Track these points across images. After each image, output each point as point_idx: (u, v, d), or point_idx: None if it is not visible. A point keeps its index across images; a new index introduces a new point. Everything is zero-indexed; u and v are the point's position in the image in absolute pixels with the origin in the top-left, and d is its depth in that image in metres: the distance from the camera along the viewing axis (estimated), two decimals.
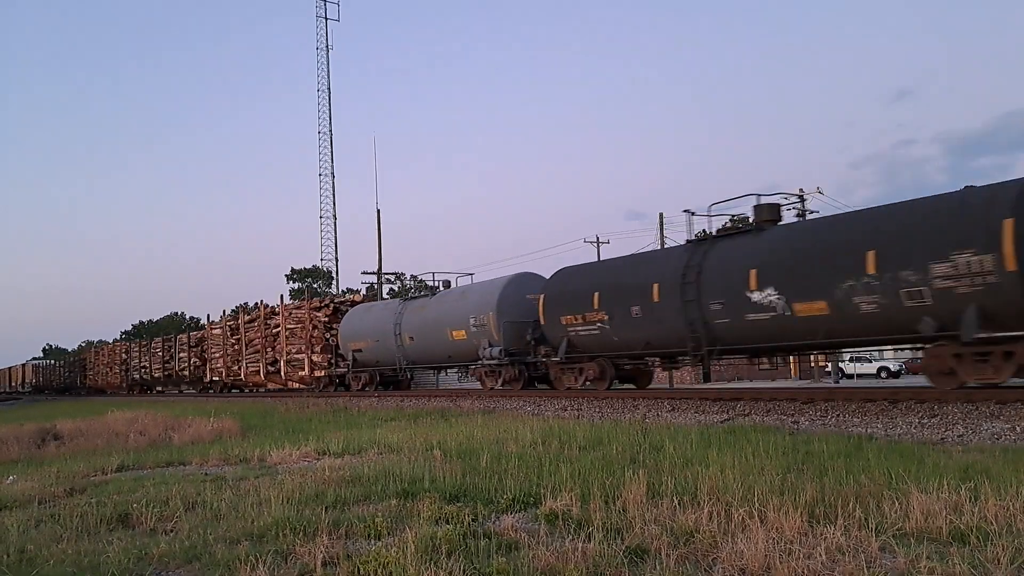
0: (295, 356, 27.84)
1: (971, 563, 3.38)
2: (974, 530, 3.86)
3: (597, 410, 12.86)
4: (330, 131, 65.84)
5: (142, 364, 45.47)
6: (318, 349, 26.47)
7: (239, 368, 32.56)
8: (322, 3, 64.55)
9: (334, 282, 64.21)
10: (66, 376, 63.74)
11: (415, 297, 22.94)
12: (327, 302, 27.24)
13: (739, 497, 4.63)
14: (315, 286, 64.72)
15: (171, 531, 4.79)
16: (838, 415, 9.99)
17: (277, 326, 29.37)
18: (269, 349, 29.99)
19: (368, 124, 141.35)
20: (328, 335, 26.22)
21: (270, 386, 31.86)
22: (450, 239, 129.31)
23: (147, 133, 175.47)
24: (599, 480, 5.48)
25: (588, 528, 4.23)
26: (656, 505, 4.73)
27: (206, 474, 7.25)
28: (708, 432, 8.19)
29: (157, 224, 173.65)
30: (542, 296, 17.08)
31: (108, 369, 51.42)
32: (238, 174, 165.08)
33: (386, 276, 45.62)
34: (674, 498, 4.78)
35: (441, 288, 22.29)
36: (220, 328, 35.44)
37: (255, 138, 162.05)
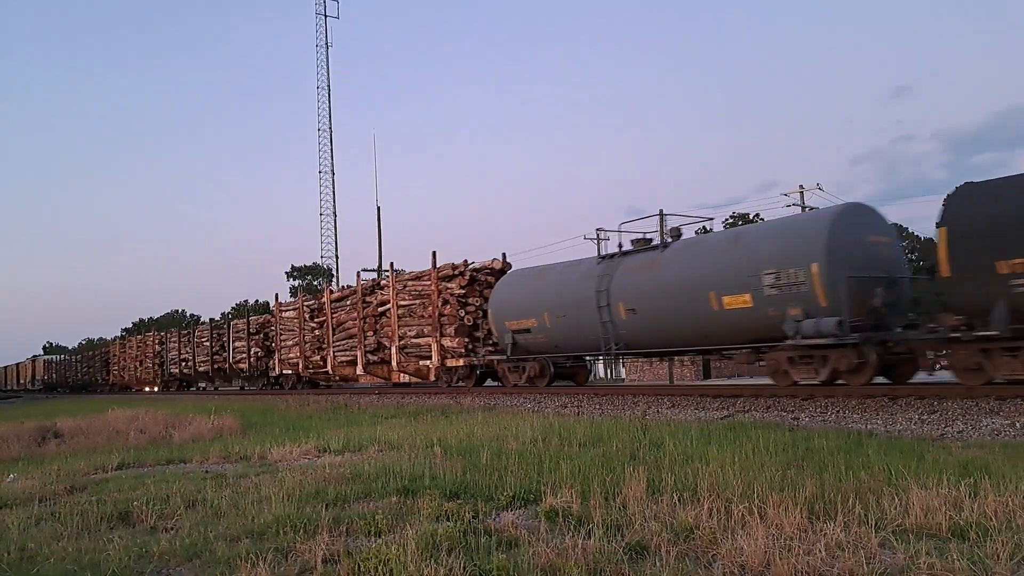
0: (414, 341, 21.55)
1: (971, 559, 3.38)
2: (974, 526, 3.86)
3: (597, 407, 12.87)
4: (330, 128, 65.76)
5: (182, 357, 39.58)
6: (451, 331, 20.13)
7: (323, 358, 26.41)
8: (322, 1, 64.44)
9: (334, 280, 64.24)
10: (84, 372, 57.88)
11: (629, 252, 15.49)
12: (460, 269, 20.65)
13: (739, 493, 4.64)
14: (315, 283, 64.69)
15: (172, 529, 4.80)
16: (838, 411, 9.99)
17: (384, 303, 23.07)
18: (370, 333, 23.77)
19: (368, 121, 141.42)
20: (463, 312, 20.18)
21: (369, 380, 25.49)
22: (450, 236, 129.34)
23: (147, 131, 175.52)
24: (599, 477, 5.49)
25: (588, 525, 4.23)
26: (656, 502, 4.73)
27: (207, 472, 7.25)
28: (708, 428, 8.19)
29: (156, 222, 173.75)
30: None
31: (137, 363, 45.61)
32: (238, 172, 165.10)
33: (386, 273, 45.59)
34: (674, 495, 4.79)
35: (669, 239, 15.41)
36: (294, 309, 29.03)
37: (255, 136, 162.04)
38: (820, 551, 3.55)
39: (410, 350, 21.83)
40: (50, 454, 10.80)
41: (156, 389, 42.99)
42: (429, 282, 20.94)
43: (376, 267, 44.60)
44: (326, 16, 65.97)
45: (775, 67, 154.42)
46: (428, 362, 20.96)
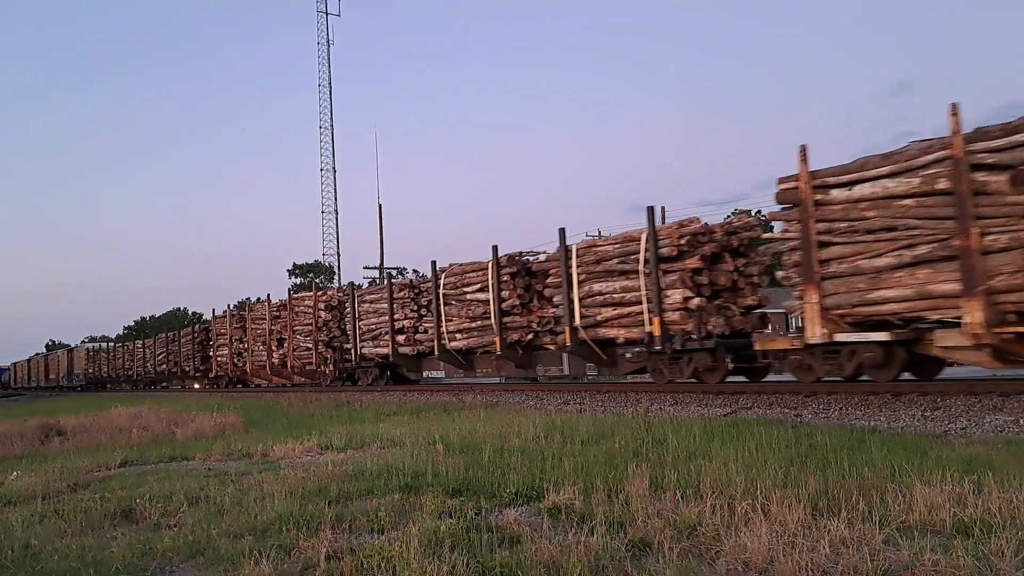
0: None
1: (975, 555, 3.38)
2: (978, 522, 3.85)
3: (600, 404, 12.86)
4: (331, 126, 66.00)
5: (402, 323, 20.33)
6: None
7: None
8: None
9: (336, 277, 64.29)
10: (162, 361, 38.81)
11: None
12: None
13: (742, 490, 4.63)
14: (317, 282, 64.76)
15: (175, 526, 4.80)
16: (841, 408, 9.98)
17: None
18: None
19: (370, 119, 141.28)
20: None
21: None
22: (452, 232, 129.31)
23: (147, 129, 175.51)
24: (602, 474, 5.48)
25: (591, 522, 4.23)
26: (659, 498, 4.73)
27: (209, 469, 7.26)
28: (711, 425, 8.19)
29: (157, 220, 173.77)
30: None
31: (274, 344, 27.36)
32: (239, 170, 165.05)
33: (388, 271, 45.60)
34: (677, 491, 4.79)
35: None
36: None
37: (256, 134, 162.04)
38: (824, 548, 3.55)
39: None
40: (53, 452, 10.82)
41: (326, 383, 24.22)
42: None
43: (378, 264, 44.61)
44: (327, 14, 66.08)
45: (776, 63, 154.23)
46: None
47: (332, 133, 66.13)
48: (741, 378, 13.54)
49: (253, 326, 29.28)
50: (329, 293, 24.84)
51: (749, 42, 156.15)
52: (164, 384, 41.93)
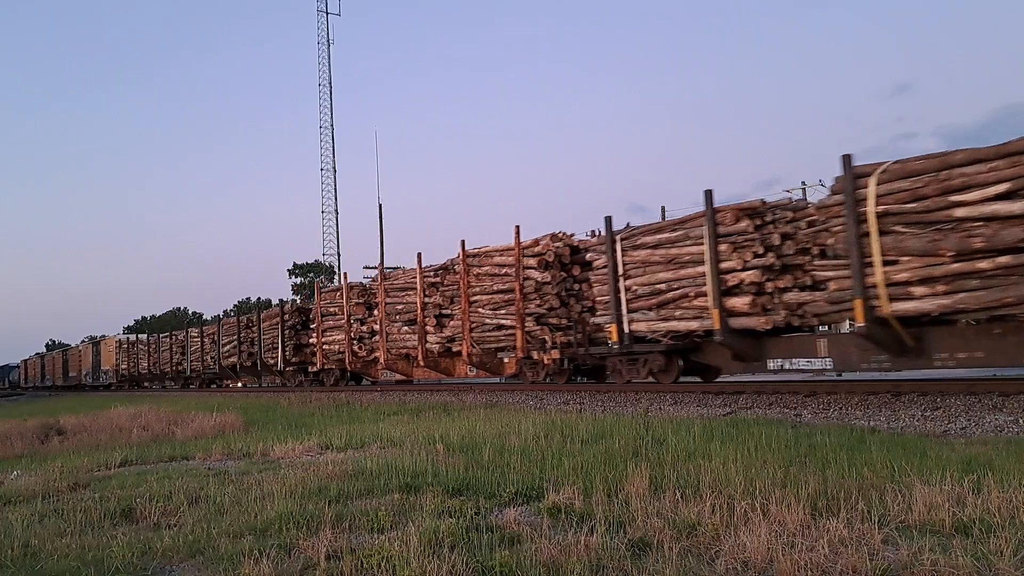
0: None
1: (974, 555, 3.38)
2: (977, 522, 3.86)
3: (600, 404, 12.87)
4: (331, 126, 65.85)
5: (740, 276, 11.56)
6: None
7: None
8: None
9: (336, 276, 64.30)
10: (230, 352, 30.54)
11: None
12: None
13: (741, 490, 4.63)
14: (317, 281, 64.73)
15: (175, 525, 4.80)
16: (840, 408, 9.99)
17: None
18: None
19: (370, 118, 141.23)
20: None
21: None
22: (452, 231, 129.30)
23: (147, 130, 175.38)
24: (602, 473, 5.49)
25: (591, 521, 4.23)
26: (658, 498, 4.73)
27: (209, 469, 7.26)
28: (710, 425, 8.19)
29: (157, 220, 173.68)
30: None
31: (435, 325, 18.86)
32: (238, 170, 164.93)
33: (388, 270, 45.60)
34: (676, 491, 4.79)
35: None
36: None
37: (256, 133, 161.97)
38: (823, 547, 3.55)
39: None
40: (53, 451, 10.83)
41: (545, 378, 16.49)
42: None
43: (379, 264, 44.62)
44: (327, 13, 66.00)
45: (778, 64, 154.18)
46: None
47: (332, 133, 66.05)
48: (742, 377, 13.56)
49: (390, 300, 20.47)
50: (543, 243, 15.71)
51: (749, 42, 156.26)
52: (227, 382, 33.91)
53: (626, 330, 13.62)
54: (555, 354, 15.55)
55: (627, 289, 13.61)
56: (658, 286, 13.04)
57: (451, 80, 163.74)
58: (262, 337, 27.89)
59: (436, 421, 10.93)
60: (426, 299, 19.09)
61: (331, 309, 23.76)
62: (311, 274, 66.79)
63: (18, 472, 7.87)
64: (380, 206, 45.65)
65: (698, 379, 14.37)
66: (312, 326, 24.78)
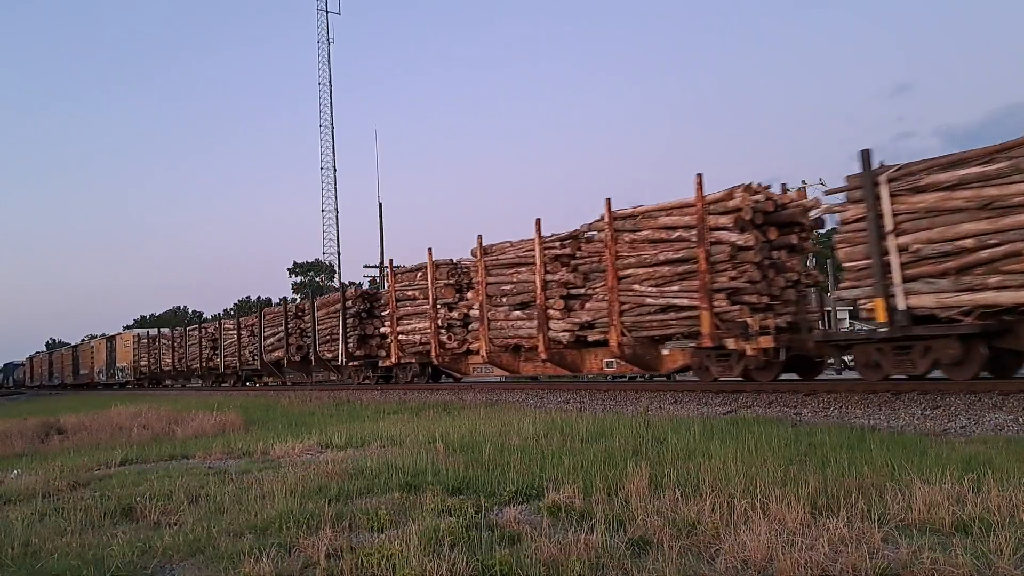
0: None
1: (974, 554, 3.38)
2: (977, 521, 3.86)
3: (600, 403, 12.87)
4: (331, 124, 65.89)
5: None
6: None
7: None
8: None
9: (336, 275, 64.28)
10: (274, 345, 27.11)
11: None
12: None
13: (741, 489, 4.64)
14: (317, 280, 64.77)
15: (175, 524, 4.80)
16: (840, 407, 9.99)
17: None
18: None
19: (370, 117, 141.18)
20: None
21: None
22: (452, 230, 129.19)
23: (147, 129, 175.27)
24: (602, 472, 5.49)
25: (590, 520, 4.23)
26: (658, 497, 4.73)
27: (209, 467, 7.26)
28: (710, 424, 8.20)
29: (157, 220, 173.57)
30: None
31: (562, 308, 14.99)
32: (238, 169, 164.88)
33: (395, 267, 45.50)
34: (676, 490, 4.79)
35: None
36: None
37: (256, 133, 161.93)
38: (823, 546, 3.55)
39: None
40: (53, 450, 10.82)
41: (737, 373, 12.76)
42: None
43: (379, 263, 44.60)
44: (327, 12, 65.99)
45: (778, 64, 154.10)
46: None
47: (332, 131, 66.10)
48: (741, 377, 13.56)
49: (493, 279, 16.80)
50: (739, 196, 11.99)
51: (749, 42, 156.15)
52: (266, 379, 30.23)
53: (899, 306, 10.06)
54: (765, 342, 11.73)
55: (902, 249, 10.07)
56: (960, 243, 9.49)
57: (451, 80, 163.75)
58: (317, 327, 24.35)
59: (436, 420, 10.92)
60: (548, 276, 15.24)
61: (409, 292, 20.02)
62: (311, 273, 66.83)
63: (18, 471, 7.87)
64: (380, 205, 45.70)
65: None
66: (384, 313, 21.17)
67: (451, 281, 18.90)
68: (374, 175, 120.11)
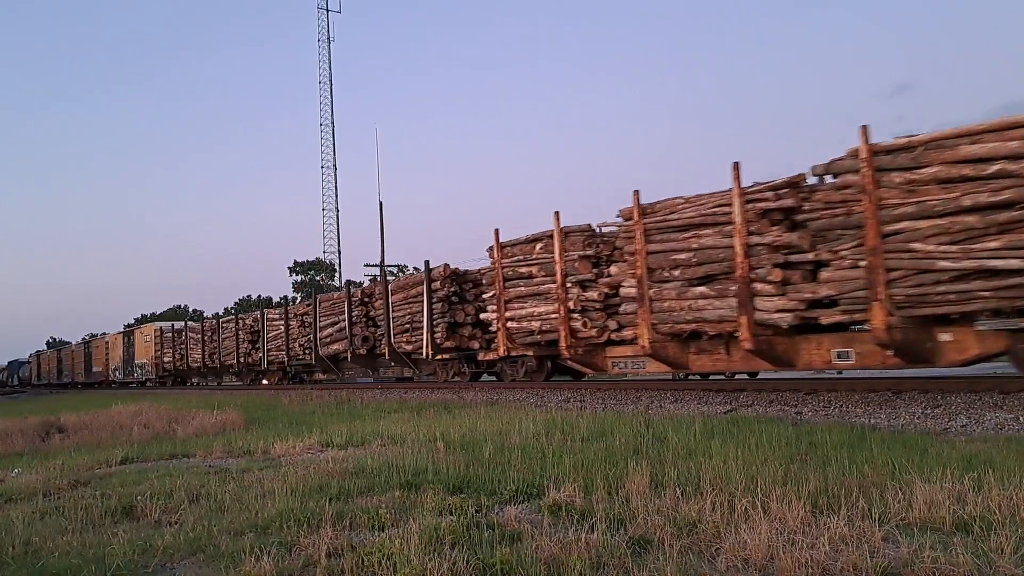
0: None
1: (975, 553, 3.38)
2: (977, 519, 3.86)
3: (600, 401, 12.87)
4: (332, 123, 65.97)
5: None
6: None
7: None
8: None
9: (337, 274, 64.30)
10: (333, 337, 23.89)
11: None
12: None
13: (742, 488, 4.64)
14: (318, 279, 64.79)
15: (176, 523, 4.81)
16: (841, 406, 9.99)
17: None
18: None
19: (370, 116, 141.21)
20: None
21: None
22: (453, 229, 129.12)
23: (147, 128, 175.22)
24: (602, 471, 5.49)
25: (591, 519, 4.23)
26: (659, 496, 4.74)
27: (210, 466, 7.27)
28: (711, 423, 8.20)
29: (157, 220, 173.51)
30: None
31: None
32: (238, 168, 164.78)
33: (388, 268, 45.57)
34: (677, 489, 4.79)
35: None
36: None
37: (256, 132, 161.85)
38: (824, 545, 3.55)
39: None
40: (54, 449, 10.83)
41: None
42: None
43: (379, 262, 44.63)
44: (327, 10, 65.98)
45: (778, 64, 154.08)
46: None
47: (333, 130, 66.25)
48: (742, 375, 13.57)
49: (657, 246, 12.95)
50: None
51: (749, 42, 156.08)
52: (317, 375, 27.30)
53: None
54: None
55: None
56: None
57: (451, 79, 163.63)
58: (392, 315, 20.67)
59: (437, 419, 10.93)
60: (755, 239, 11.38)
61: (523, 269, 16.01)
62: (312, 272, 66.83)
63: (19, 470, 7.88)
64: (380, 203, 45.57)
65: (698, 377, 13.56)
66: (488, 295, 17.09)
67: (588, 252, 14.70)
68: (374, 174, 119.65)
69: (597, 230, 14.98)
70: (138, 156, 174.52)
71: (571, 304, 14.59)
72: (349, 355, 22.86)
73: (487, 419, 10.05)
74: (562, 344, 14.74)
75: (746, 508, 4.17)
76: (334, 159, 66.05)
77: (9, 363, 75.89)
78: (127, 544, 4.25)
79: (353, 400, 17.12)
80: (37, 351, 68.06)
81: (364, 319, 22.37)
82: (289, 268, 71.85)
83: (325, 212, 65.71)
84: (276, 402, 18.38)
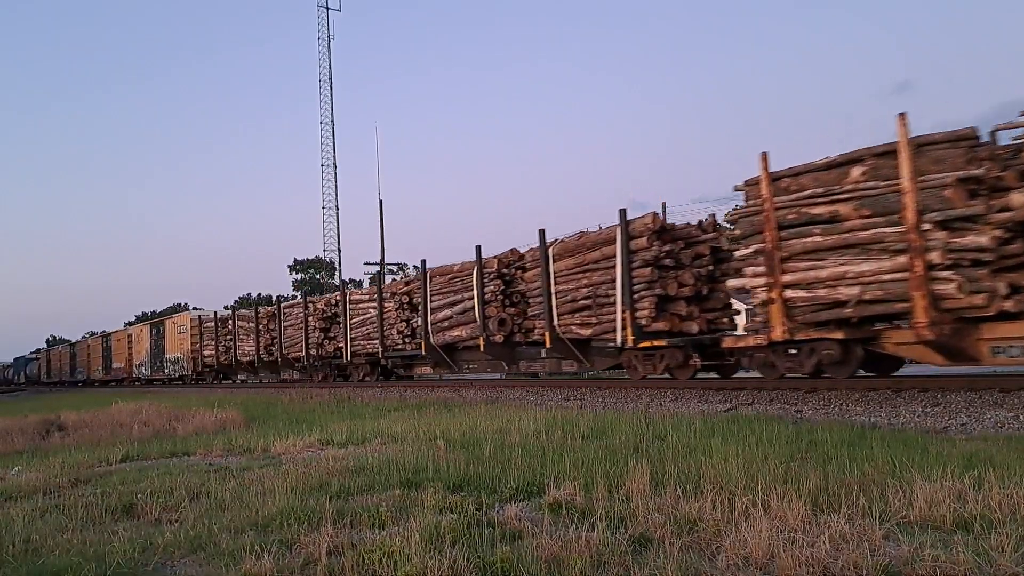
0: None
1: (975, 551, 3.38)
2: (978, 518, 3.86)
3: (600, 400, 12.87)
4: (332, 121, 65.83)
5: None
6: None
7: None
8: None
9: (337, 273, 64.27)
10: (449, 323, 18.87)
11: None
12: None
13: (742, 486, 4.64)
14: (318, 277, 64.76)
15: (176, 521, 4.81)
16: (841, 404, 9.98)
17: None
18: None
19: (371, 114, 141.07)
20: None
21: None
22: (453, 228, 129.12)
23: (147, 128, 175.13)
24: (602, 470, 5.49)
25: (591, 517, 4.23)
26: (659, 494, 4.73)
27: (210, 465, 7.27)
28: (711, 421, 8.19)
29: (157, 219, 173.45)
30: None
31: None
32: (239, 167, 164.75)
33: (388, 267, 45.55)
34: (677, 487, 4.79)
35: None
36: None
37: (256, 131, 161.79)
38: (824, 543, 3.55)
39: None
40: (54, 447, 10.81)
41: None
42: None
43: (379, 260, 44.60)
44: (327, 8, 65.89)
45: (778, 64, 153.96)
46: None
47: (333, 128, 66.09)
48: (740, 375, 13.58)
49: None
50: None
51: (749, 42, 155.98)
52: (419, 370, 22.16)
53: None
54: None
55: None
56: None
57: (451, 79, 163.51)
58: (554, 288, 15.54)
59: (437, 417, 10.92)
60: None
61: (819, 209, 10.53)
62: (311, 270, 66.79)
63: (19, 468, 7.88)
64: (380, 202, 45.54)
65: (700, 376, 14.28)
66: (745, 251, 11.52)
67: (970, 172, 9.18)
68: (374, 173, 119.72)
69: (982, 138, 9.49)
70: (138, 156, 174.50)
71: (934, 257, 9.38)
72: (481, 343, 17.68)
73: (487, 418, 10.05)
74: (919, 319, 9.47)
75: (746, 506, 4.17)
76: (334, 158, 65.96)
77: (15, 360, 72.87)
78: (127, 542, 4.25)
79: (353, 399, 17.12)
80: (47, 348, 63.75)
81: (500, 296, 17.47)
82: (289, 266, 71.94)
83: (325, 211, 65.62)
84: (276, 401, 18.38)
